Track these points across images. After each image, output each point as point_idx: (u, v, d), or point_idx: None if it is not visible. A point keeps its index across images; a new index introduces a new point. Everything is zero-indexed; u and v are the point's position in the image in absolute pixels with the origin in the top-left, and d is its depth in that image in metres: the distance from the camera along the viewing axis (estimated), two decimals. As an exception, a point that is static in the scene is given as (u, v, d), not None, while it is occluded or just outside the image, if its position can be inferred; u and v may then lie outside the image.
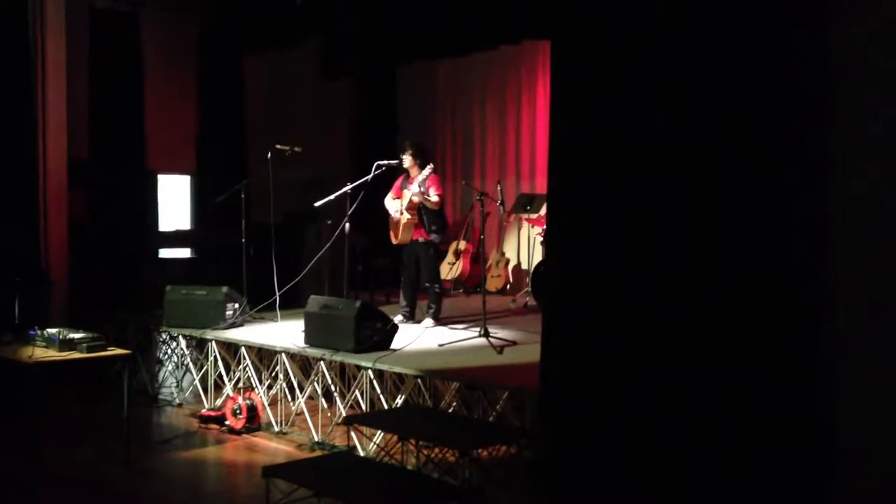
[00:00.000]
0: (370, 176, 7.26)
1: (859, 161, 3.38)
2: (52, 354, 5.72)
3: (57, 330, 5.98)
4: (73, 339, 5.82)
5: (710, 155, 3.87)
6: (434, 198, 7.49)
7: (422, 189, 7.42)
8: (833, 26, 3.37)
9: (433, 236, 7.66)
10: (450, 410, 5.70)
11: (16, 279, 7.60)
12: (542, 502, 4.82)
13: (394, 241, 7.79)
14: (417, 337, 6.81)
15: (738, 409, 3.73)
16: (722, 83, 3.78)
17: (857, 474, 3.41)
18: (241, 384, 6.93)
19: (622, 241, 4.25)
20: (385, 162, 7.41)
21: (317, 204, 7.46)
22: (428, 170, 7.47)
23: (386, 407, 5.93)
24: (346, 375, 6.55)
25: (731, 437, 3.75)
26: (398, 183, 7.75)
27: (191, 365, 7.54)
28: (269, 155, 7.78)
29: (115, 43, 9.57)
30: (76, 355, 5.75)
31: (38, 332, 6.00)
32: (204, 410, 6.95)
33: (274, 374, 6.71)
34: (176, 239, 10.45)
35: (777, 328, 3.62)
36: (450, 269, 10.28)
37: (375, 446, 5.69)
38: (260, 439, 6.46)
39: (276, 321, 7.45)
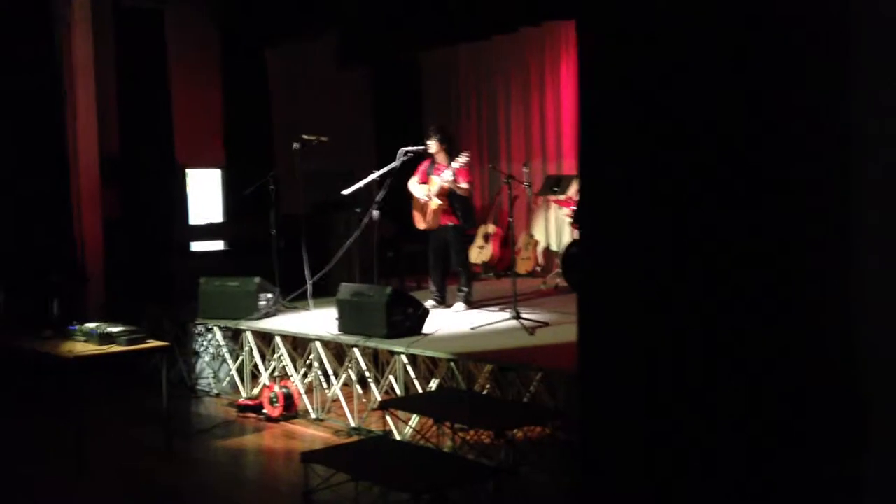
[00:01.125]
0: (397, 163, 7.28)
1: (869, 158, 3.34)
2: (93, 348, 5.83)
3: (96, 324, 6.09)
4: (112, 333, 5.92)
5: (724, 129, 3.84)
6: (464, 185, 7.52)
7: (453, 177, 7.42)
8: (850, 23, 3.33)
9: (462, 221, 7.69)
10: (483, 392, 5.74)
11: (53, 277, 7.75)
12: (577, 483, 4.84)
13: (420, 226, 7.80)
14: (452, 318, 6.84)
15: (765, 401, 3.71)
16: (736, 71, 3.74)
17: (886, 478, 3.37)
18: (276, 373, 7.01)
19: (657, 219, 4.23)
20: (411, 148, 7.43)
21: (345, 192, 7.51)
22: (464, 158, 7.46)
23: (420, 391, 5.98)
24: (379, 361, 6.61)
25: (758, 431, 3.73)
26: (423, 167, 7.76)
27: (227, 355, 7.64)
28: (296, 145, 7.83)
29: (140, 40, 9.65)
30: (116, 348, 5.85)
31: (78, 326, 6.12)
32: (241, 400, 7.06)
33: (309, 362, 6.79)
34: (207, 232, 10.55)
35: (811, 320, 3.59)
36: (479, 253, 10.31)
37: (411, 430, 5.75)
38: (297, 426, 6.55)
39: (309, 310, 7.53)
